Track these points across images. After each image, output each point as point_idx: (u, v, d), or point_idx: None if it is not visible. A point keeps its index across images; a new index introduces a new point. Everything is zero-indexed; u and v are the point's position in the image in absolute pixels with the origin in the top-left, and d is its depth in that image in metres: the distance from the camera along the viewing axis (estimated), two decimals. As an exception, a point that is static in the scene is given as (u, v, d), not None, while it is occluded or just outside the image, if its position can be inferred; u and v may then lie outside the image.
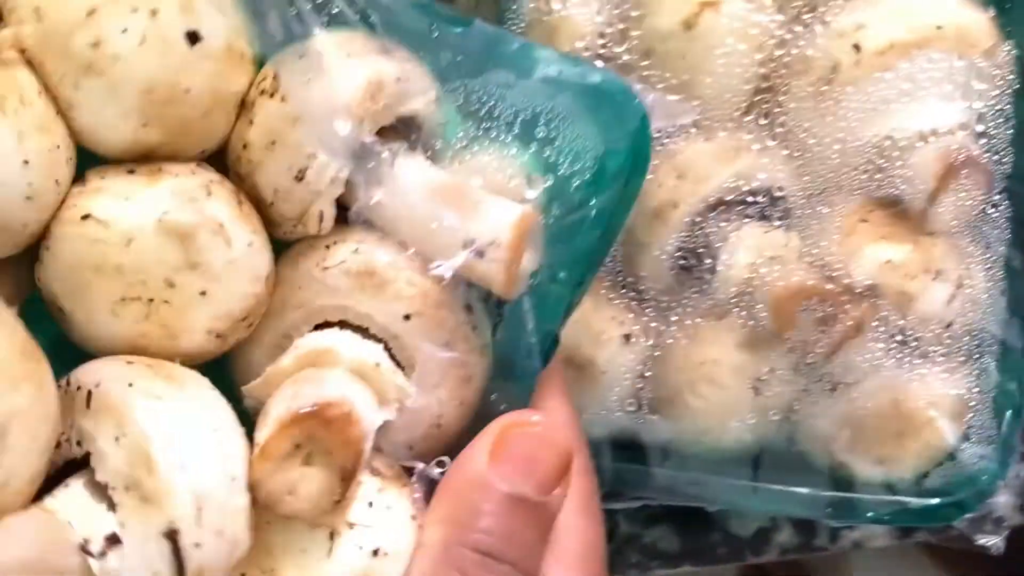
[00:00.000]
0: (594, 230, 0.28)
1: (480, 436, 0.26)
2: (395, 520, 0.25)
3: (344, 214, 0.26)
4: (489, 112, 0.27)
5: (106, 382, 0.22)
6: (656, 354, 0.35)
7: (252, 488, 0.23)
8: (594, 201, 0.28)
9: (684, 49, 0.32)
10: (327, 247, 0.26)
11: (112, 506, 0.21)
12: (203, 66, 0.24)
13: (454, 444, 0.27)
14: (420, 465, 0.26)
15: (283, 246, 0.27)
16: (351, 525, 0.24)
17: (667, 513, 0.41)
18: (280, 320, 0.27)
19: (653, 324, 0.34)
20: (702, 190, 0.32)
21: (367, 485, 0.25)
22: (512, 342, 0.28)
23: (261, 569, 0.24)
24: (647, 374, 0.35)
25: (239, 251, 0.24)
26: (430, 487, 0.26)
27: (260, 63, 0.26)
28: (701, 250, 0.33)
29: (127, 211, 0.23)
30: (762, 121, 0.33)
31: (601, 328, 0.34)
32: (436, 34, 0.27)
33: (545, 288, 0.28)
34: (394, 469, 0.26)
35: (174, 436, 0.22)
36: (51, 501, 0.21)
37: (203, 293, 0.24)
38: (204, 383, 0.24)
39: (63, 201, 0.23)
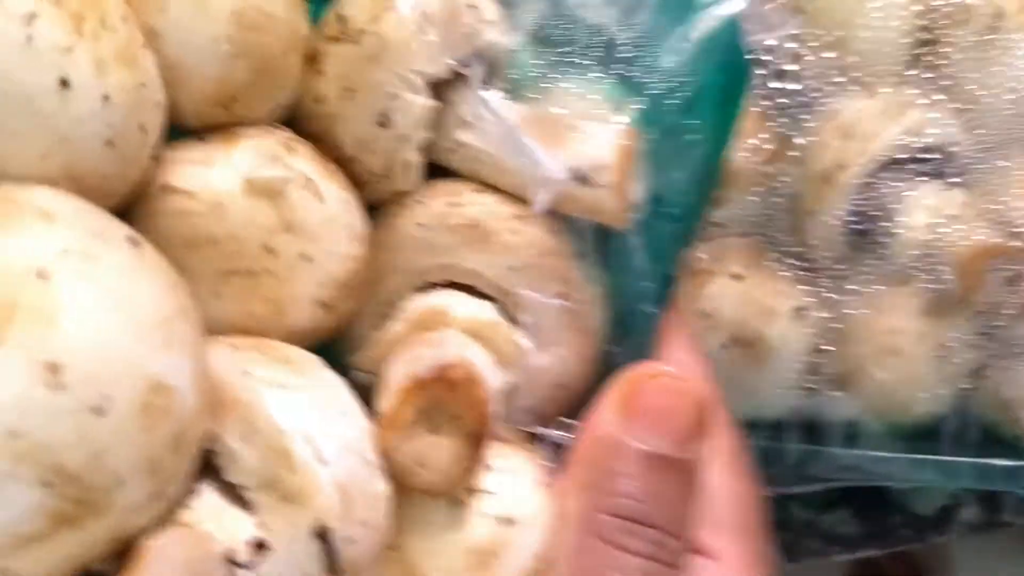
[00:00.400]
0: (698, 155, 0.26)
1: (607, 393, 0.23)
2: (522, 486, 0.23)
3: (429, 168, 0.24)
4: (566, 36, 0.25)
5: (220, 373, 0.19)
6: (834, 327, 0.33)
7: (385, 458, 0.20)
8: (693, 123, 0.26)
9: (835, 5, 0.31)
10: (420, 203, 0.24)
11: (247, 507, 0.19)
12: (275, 7, 0.21)
13: (577, 405, 0.25)
14: (545, 431, 0.24)
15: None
16: (475, 493, 0.22)
17: (844, 496, 0.39)
18: (380, 287, 0.24)
19: (828, 295, 0.33)
20: (871, 149, 0.31)
21: (488, 453, 0.22)
22: (625, 288, 0.26)
23: (388, 546, 0.21)
24: (825, 349, 0.33)
25: (333, 207, 0.22)
26: (555, 452, 0.24)
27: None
28: (875, 213, 0.32)
29: (211, 176, 0.21)
30: (926, 75, 0.32)
31: (770, 302, 0.32)
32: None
33: (654, 224, 0.26)
34: (517, 433, 0.24)
35: (308, 426, 0.19)
36: (187, 513, 0.18)
37: (304, 256, 0.21)
38: (319, 363, 0.21)
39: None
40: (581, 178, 0.24)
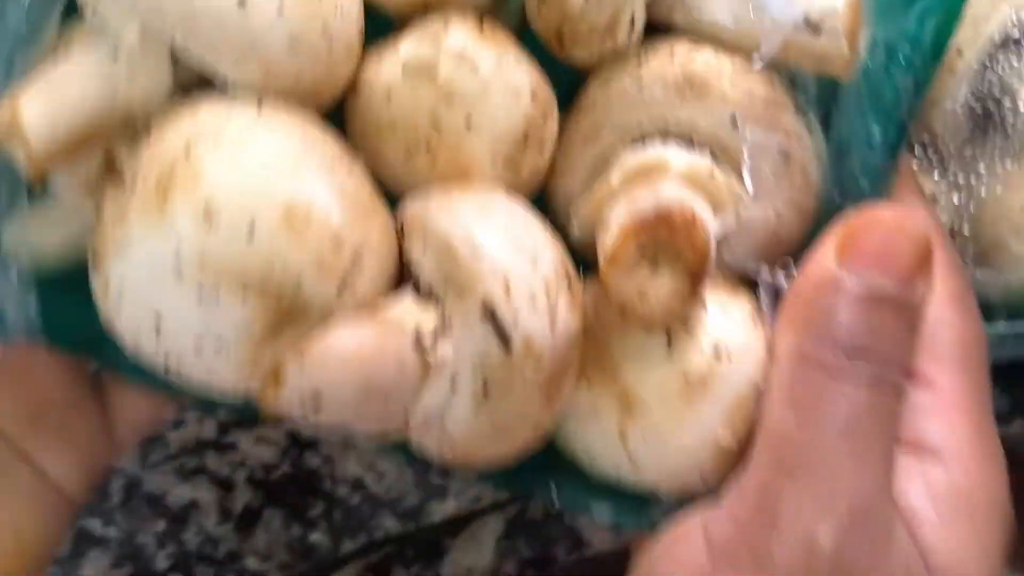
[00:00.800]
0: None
1: (827, 237, 0.23)
2: (732, 321, 0.24)
3: (649, 26, 0.25)
4: None
5: (408, 209, 0.23)
6: (968, 209, 0.33)
7: (605, 291, 0.23)
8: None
9: None
10: (640, 61, 0.25)
11: (437, 303, 0.22)
12: None
13: (796, 255, 0.25)
14: (764, 272, 0.25)
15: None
16: (688, 328, 0.24)
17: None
18: (595, 144, 0.25)
19: (959, 180, 0.33)
20: (985, 31, 0.31)
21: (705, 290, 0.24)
22: (851, 136, 0.25)
23: (603, 370, 0.24)
24: (962, 231, 0.33)
25: (487, 71, 0.23)
26: (770, 296, 0.25)
27: None
28: (997, 92, 0.32)
29: (382, 67, 0.24)
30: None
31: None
32: None
33: (882, 75, 0.24)
34: (727, 277, 0.25)
35: (470, 228, 0.22)
36: (384, 312, 0.22)
37: (469, 122, 0.23)
38: (498, 194, 0.24)
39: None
40: (812, 26, 0.23)
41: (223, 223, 0.20)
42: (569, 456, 0.26)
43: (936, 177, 0.33)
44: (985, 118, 0.32)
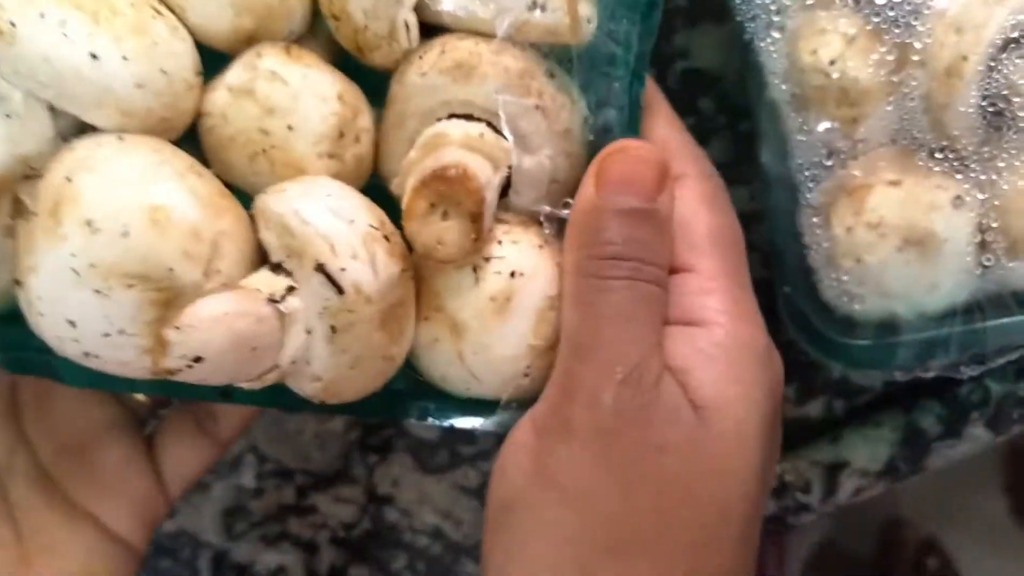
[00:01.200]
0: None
1: (587, 172, 0.30)
2: (522, 250, 0.30)
3: (424, 29, 0.31)
4: None
5: (256, 202, 0.30)
6: (995, 206, 0.34)
7: (411, 243, 0.29)
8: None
9: None
10: (420, 57, 0.31)
11: (288, 274, 0.28)
12: None
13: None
14: (546, 208, 0.31)
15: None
16: (488, 260, 0.30)
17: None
18: (403, 130, 0.32)
19: (982, 178, 0.34)
20: (985, 36, 0.32)
21: (497, 231, 0.30)
22: (599, 92, 0.32)
23: (434, 308, 0.30)
24: (991, 226, 0.34)
25: (296, 84, 0.30)
26: (558, 227, 0.31)
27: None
28: (1006, 92, 0.33)
29: (214, 95, 0.30)
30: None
31: (929, 199, 0.33)
32: None
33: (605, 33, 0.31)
34: (519, 217, 0.31)
35: (297, 206, 0.28)
36: (244, 283, 0.28)
37: (289, 127, 0.30)
38: (324, 178, 0.30)
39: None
40: (537, 5, 0.30)
41: (103, 230, 0.26)
42: (430, 382, 0.32)
43: (959, 177, 0.33)
44: (997, 116, 0.33)
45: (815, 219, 0.34)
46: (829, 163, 0.34)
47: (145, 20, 0.28)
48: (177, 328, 0.26)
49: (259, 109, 0.30)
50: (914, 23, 0.33)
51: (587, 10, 0.31)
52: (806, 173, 0.34)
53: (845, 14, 0.33)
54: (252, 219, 0.30)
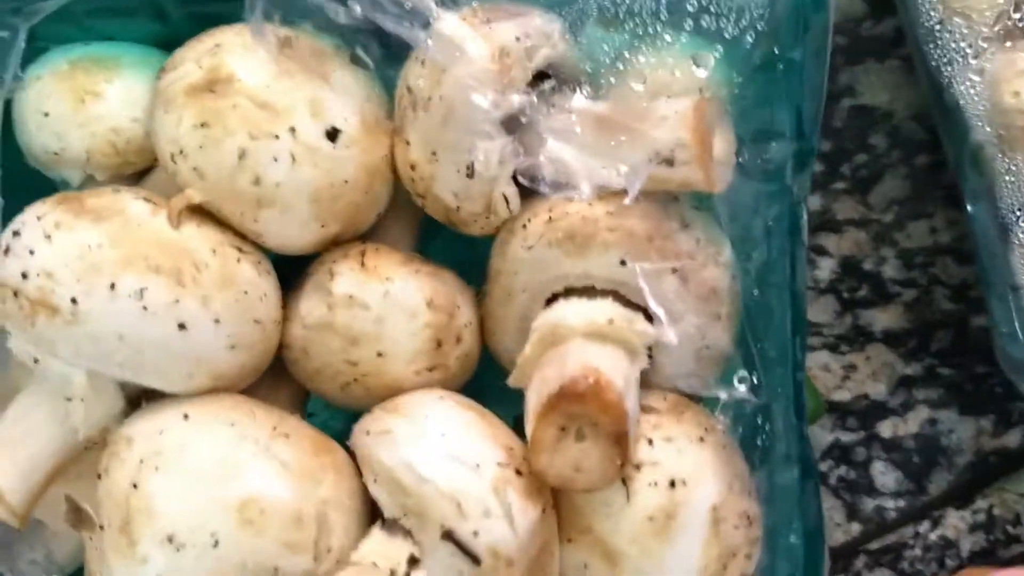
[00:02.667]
0: (793, 78, 0.25)
1: None
2: (679, 449, 0.25)
3: (526, 188, 0.26)
4: (628, 11, 0.25)
5: (356, 437, 0.25)
6: None
7: (542, 479, 0.24)
8: (777, 50, 0.25)
9: None
10: (524, 226, 0.26)
11: (407, 534, 0.24)
12: (350, 152, 0.25)
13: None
14: (723, 394, 0.26)
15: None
16: (638, 467, 0.25)
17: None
18: (512, 306, 0.27)
19: None
20: None
21: (643, 425, 0.25)
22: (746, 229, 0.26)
23: (578, 529, 0.25)
24: None
25: (377, 305, 0.26)
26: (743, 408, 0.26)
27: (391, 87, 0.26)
28: None
29: (290, 331, 0.26)
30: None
31: None
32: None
33: (759, 162, 0.26)
34: (668, 401, 0.26)
35: (411, 456, 0.23)
36: (355, 555, 0.24)
37: (379, 353, 0.26)
38: (429, 400, 0.25)
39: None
40: (666, 160, 0.24)
41: (188, 544, 0.22)
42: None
43: None
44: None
45: None
46: None
47: (230, 266, 0.24)
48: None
49: (341, 341, 0.25)
50: None
51: (723, 149, 0.25)
52: (1016, 213, 0.33)
53: None
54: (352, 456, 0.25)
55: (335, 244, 0.27)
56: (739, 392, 0.26)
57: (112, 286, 0.22)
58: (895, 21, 0.38)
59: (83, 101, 0.26)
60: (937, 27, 0.32)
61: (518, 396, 0.25)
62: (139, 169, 0.28)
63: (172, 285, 0.23)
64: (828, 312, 0.39)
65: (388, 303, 0.26)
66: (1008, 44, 0.32)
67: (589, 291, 0.26)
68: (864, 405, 0.41)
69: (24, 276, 0.22)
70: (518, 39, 0.25)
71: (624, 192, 0.25)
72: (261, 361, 0.25)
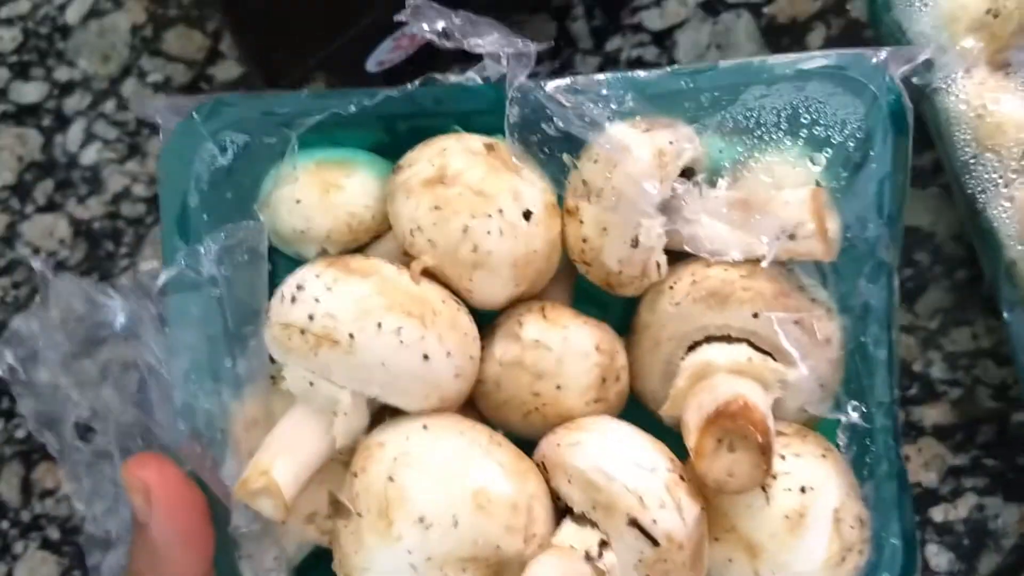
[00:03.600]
0: (880, 176, 0.32)
1: None
2: (807, 462, 0.31)
3: (670, 256, 0.33)
4: (756, 122, 0.33)
5: (544, 450, 0.31)
6: None
7: (702, 480, 0.30)
8: (871, 154, 0.32)
9: None
10: (671, 287, 0.33)
11: (592, 524, 0.30)
12: (538, 230, 0.32)
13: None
14: (843, 418, 0.33)
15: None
16: (775, 477, 0.31)
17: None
18: (658, 354, 0.33)
19: None
20: None
21: (776, 444, 0.31)
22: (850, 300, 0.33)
23: (724, 529, 0.31)
24: None
25: (559, 347, 0.33)
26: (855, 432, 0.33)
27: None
28: None
29: (486, 368, 0.33)
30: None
31: None
32: (687, 87, 0.33)
33: (860, 239, 0.33)
34: (793, 427, 0.32)
35: (598, 460, 0.30)
36: (555, 539, 0.30)
37: (558, 387, 0.32)
38: (606, 420, 0.32)
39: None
40: (790, 236, 0.32)
41: (435, 524, 0.28)
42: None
43: None
44: None
45: None
46: None
47: (455, 314, 0.31)
48: (519, 600, 0.28)
49: (529, 376, 0.32)
50: None
51: (834, 227, 0.32)
52: None
53: None
54: (539, 465, 0.32)
55: (517, 302, 0.34)
56: (853, 417, 0.32)
57: (379, 325, 0.29)
58: (933, 154, 0.42)
59: (328, 192, 0.34)
60: (972, 161, 0.37)
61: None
62: (361, 244, 0.35)
63: (419, 326, 0.30)
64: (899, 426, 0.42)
65: (567, 346, 0.32)
66: None
67: (726, 339, 0.33)
68: (918, 492, 0.44)
69: (311, 318, 0.30)
70: (671, 143, 0.32)
71: (752, 260, 0.32)
72: (469, 389, 0.32)
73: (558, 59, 0.47)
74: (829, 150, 0.32)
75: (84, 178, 0.49)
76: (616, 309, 0.35)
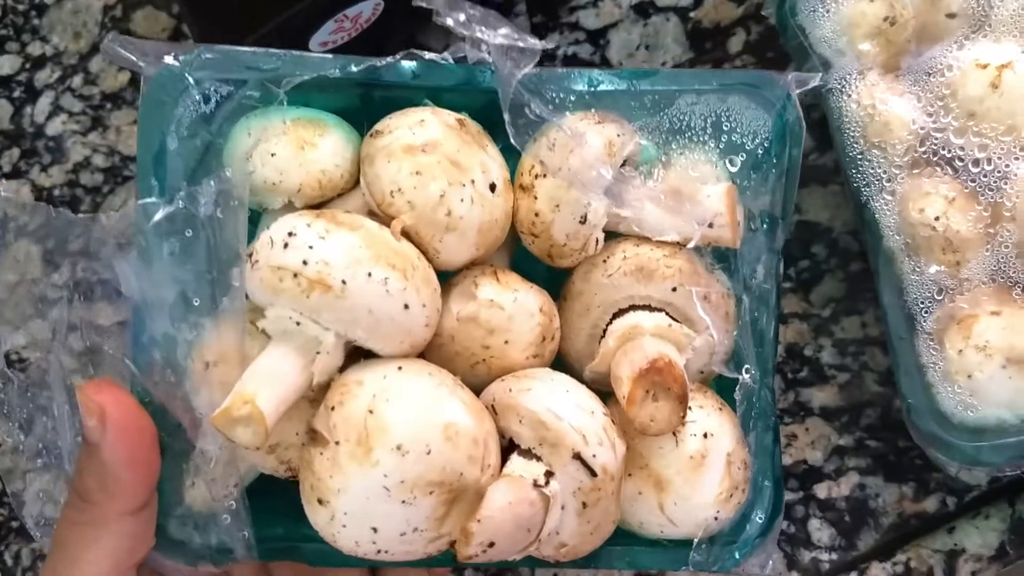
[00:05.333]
0: (780, 180, 0.39)
1: None
2: (709, 413, 0.38)
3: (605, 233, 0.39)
4: (687, 126, 0.39)
5: (497, 394, 0.36)
6: None
7: (628, 422, 0.35)
8: (775, 161, 0.39)
9: (1002, 104, 0.39)
10: (604, 261, 0.38)
11: (538, 459, 0.34)
12: (499, 201, 0.36)
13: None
14: (741, 376, 0.38)
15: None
16: (685, 424, 0.37)
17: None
18: (587, 318, 0.39)
19: None
20: None
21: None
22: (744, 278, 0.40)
23: (639, 466, 0.37)
24: None
25: (510, 306, 0.37)
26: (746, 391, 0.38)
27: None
28: None
29: (444, 321, 0.37)
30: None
31: None
32: (632, 89, 0.38)
33: (760, 231, 0.39)
34: (695, 384, 0.39)
35: (550, 405, 0.34)
36: (506, 470, 0.34)
37: (506, 341, 0.37)
38: (549, 372, 0.37)
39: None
40: (708, 224, 0.38)
41: (411, 451, 0.31)
42: (625, 528, 0.39)
43: None
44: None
45: (931, 343, 0.40)
46: (940, 298, 0.40)
47: (427, 271, 0.34)
48: (478, 520, 0.32)
49: (482, 331, 0.36)
50: (1003, 186, 0.39)
51: (740, 220, 0.38)
52: (920, 306, 0.40)
53: (945, 180, 0.40)
54: (489, 407, 0.36)
55: (472, 265, 0.38)
56: (746, 379, 0.39)
57: (369, 274, 0.32)
58: (835, 155, 0.44)
59: (303, 148, 0.36)
60: (859, 156, 0.41)
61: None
62: (325, 200, 0.38)
63: (402, 278, 0.33)
64: (775, 390, 0.43)
65: (516, 306, 0.37)
66: (915, 171, 0.40)
67: (647, 308, 0.38)
68: (803, 469, 0.47)
69: (305, 263, 0.32)
70: (618, 135, 0.38)
71: (673, 243, 0.38)
72: (430, 337, 0.36)
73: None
74: (744, 155, 0.39)
75: (48, 147, 0.52)
76: (538, 281, 0.39)
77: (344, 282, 0.32)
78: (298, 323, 0.33)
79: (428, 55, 0.36)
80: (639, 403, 0.35)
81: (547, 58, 0.50)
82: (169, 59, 0.35)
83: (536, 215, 0.38)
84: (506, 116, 0.35)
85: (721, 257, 0.40)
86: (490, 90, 0.36)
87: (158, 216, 0.32)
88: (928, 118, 0.40)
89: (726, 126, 0.39)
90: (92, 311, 0.36)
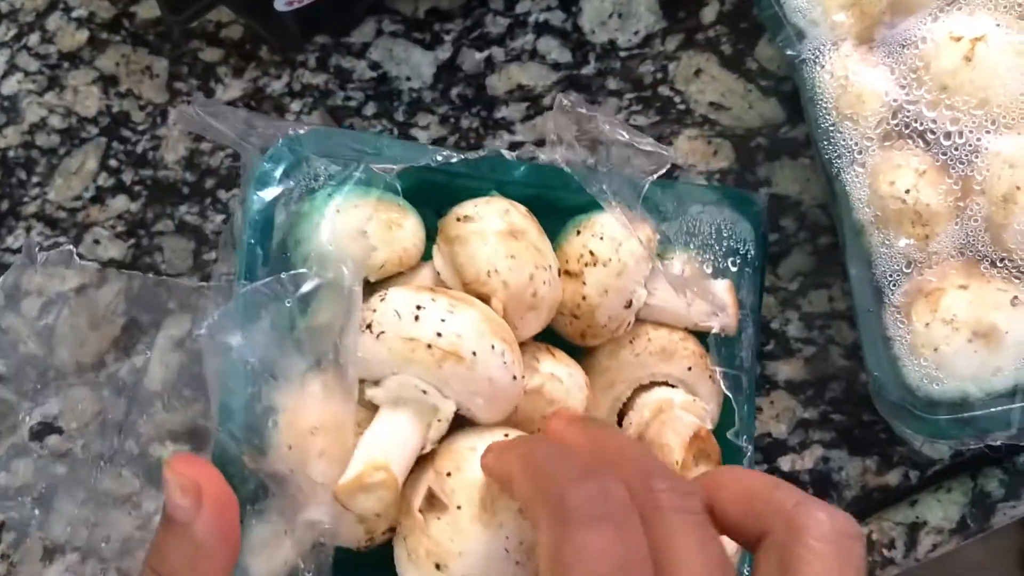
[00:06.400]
0: (757, 276, 0.47)
1: None
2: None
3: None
4: (697, 230, 0.46)
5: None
6: None
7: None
8: (757, 261, 0.47)
9: (974, 77, 0.39)
10: (631, 342, 0.43)
11: None
12: (558, 284, 0.40)
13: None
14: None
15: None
16: None
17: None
18: (612, 392, 0.44)
19: None
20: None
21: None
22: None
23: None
24: None
25: (567, 380, 0.43)
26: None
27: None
28: None
29: None
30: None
31: (993, 299, 0.39)
32: (652, 195, 0.45)
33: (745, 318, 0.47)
34: None
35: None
36: None
37: None
38: None
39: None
40: (714, 313, 0.45)
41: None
42: None
43: (1017, 282, 0.39)
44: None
45: (898, 316, 0.40)
46: (908, 271, 0.40)
47: (517, 345, 0.37)
48: None
49: (544, 402, 0.40)
50: (974, 159, 0.39)
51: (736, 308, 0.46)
52: (888, 278, 0.40)
53: (916, 153, 0.40)
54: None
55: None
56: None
57: (492, 347, 0.35)
58: (806, 128, 0.43)
59: (390, 228, 0.39)
60: (831, 128, 0.40)
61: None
62: (392, 275, 0.40)
63: (511, 350, 0.36)
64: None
65: (571, 381, 0.41)
66: (886, 144, 0.40)
67: (666, 384, 0.44)
68: (768, 442, 0.48)
69: (439, 335, 0.35)
70: (653, 231, 0.44)
71: (683, 328, 0.45)
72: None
73: (469, 17, 0.50)
74: (738, 257, 0.46)
75: (3, 107, 0.51)
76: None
77: (475, 353, 0.35)
78: (424, 391, 0.35)
79: (509, 154, 0.40)
80: (691, 468, 0.41)
81: (519, 24, 0.50)
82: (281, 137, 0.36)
83: (583, 298, 0.42)
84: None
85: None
86: (526, 183, 0.41)
87: (305, 288, 0.33)
88: (901, 90, 0.40)
89: (725, 233, 0.46)
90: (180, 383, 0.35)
